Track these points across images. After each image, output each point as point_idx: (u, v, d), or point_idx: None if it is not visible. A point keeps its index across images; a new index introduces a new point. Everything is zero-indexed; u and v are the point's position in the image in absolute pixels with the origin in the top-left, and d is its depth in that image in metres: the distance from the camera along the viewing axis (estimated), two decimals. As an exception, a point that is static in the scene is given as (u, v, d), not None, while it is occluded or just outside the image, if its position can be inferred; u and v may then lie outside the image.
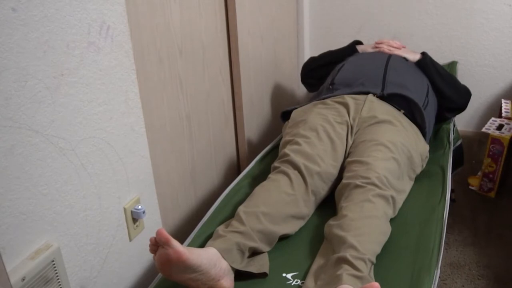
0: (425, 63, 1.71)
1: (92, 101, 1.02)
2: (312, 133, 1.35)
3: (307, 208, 1.23)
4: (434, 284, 1.02)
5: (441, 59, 2.22)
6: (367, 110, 1.43)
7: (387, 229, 1.13)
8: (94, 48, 1.00)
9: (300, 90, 2.49)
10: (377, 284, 0.88)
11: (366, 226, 1.08)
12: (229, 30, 1.68)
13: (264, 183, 1.25)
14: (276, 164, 1.30)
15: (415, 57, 1.74)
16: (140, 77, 1.20)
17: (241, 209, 1.15)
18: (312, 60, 1.95)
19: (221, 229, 1.11)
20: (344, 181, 1.23)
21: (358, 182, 1.18)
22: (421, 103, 1.50)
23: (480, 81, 2.27)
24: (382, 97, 1.49)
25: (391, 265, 1.07)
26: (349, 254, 0.99)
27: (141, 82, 1.21)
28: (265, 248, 1.13)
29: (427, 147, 1.45)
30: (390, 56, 1.69)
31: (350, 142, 1.37)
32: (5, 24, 0.80)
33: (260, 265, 1.08)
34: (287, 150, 1.30)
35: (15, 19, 0.81)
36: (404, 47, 1.82)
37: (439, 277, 1.22)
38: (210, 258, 0.98)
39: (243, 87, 1.77)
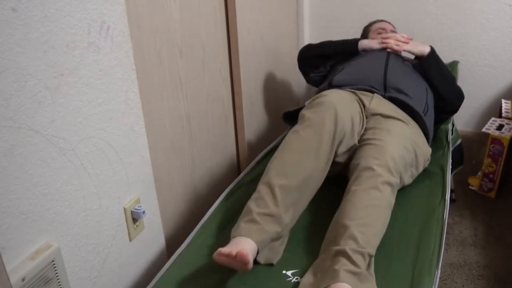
0: (432, 59, 1.64)
1: (92, 101, 1.02)
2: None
3: (326, 165, 1.24)
4: (435, 284, 1.02)
5: (441, 59, 2.22)
6: (376, 104, 1.43)
7: (388, 220, 1.15)
8: (94, 48, 1.00)
9: (300, 90, 2.49)
10: None
11: (370, 216, 1.09)
12: (229, 30, 1.68)
13: (294, 139, 1.24)
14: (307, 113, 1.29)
15: (424, 50, 1.63)
16: (140, 77, 1.20)
17: (275, 180, 1.16)
18: (308, 47, 1.87)
19: (254, 210, 1.13)
20: (354, 161, 1.25)
21: (369, 163, 1.19)
22: (421, 109, 1.50)
23: (480, 81, 2.27)
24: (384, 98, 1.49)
25: (391, 265, 1.08)
26: (348, 247, 1.01)
27: (141, 82, 1.21)
28: (287, 235, 1.17)
29: (429, 150, 1.45)
30: (388, 59, 1.65)
31: (363, 126, 1.38)
32: (5, 24, 0.80)
33: (270, 257, 1.11)
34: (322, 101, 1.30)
35: (15, 19, 0.81)
36: (411, 39, 1.71)
37: (439, 277, 1.22)
38: (253, 255, 1.06)
39: (243, 87, 1.77)
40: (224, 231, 1.23)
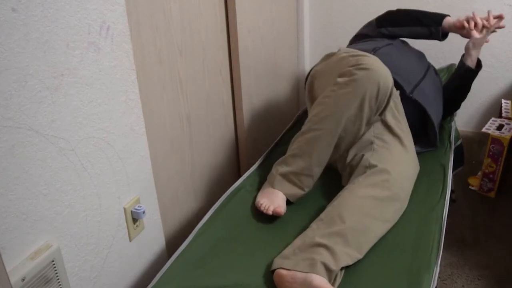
0: (476, 73, 1.70)
1: (92, 101, 1.02)
2: None
3: None
4: (434, 282, 1.02)
5: (441, 59, 2.23)
6: (394, 106, 1.38)
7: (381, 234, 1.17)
8: (94, 48, 1.00)
9: (300, 89, 2.49)
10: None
11: (368, 225, 1.12)
12: (229, 30, 1.68)
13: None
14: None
15: (476, 55, 1.68)
16: (140, 77, 1.20)
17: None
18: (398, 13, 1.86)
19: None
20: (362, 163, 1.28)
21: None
22: (438, 121, 1.54)
23: (480, 81, 2.27)
24: (405, 98, 1.45)
25: (390, 264, 1.08)
26: (338, 247, 1.04)
27: (141, 82, 1.21)
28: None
29: (417, 168, 1.40)
30: (429, 67, 1.67)
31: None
32: (5, 24, 0.80)
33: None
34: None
35: (15, 19, 0.81)
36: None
37: (439, 277, 1.22)
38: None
39: (243, 87, 1.77)
40: (225, 231, 1.23)
